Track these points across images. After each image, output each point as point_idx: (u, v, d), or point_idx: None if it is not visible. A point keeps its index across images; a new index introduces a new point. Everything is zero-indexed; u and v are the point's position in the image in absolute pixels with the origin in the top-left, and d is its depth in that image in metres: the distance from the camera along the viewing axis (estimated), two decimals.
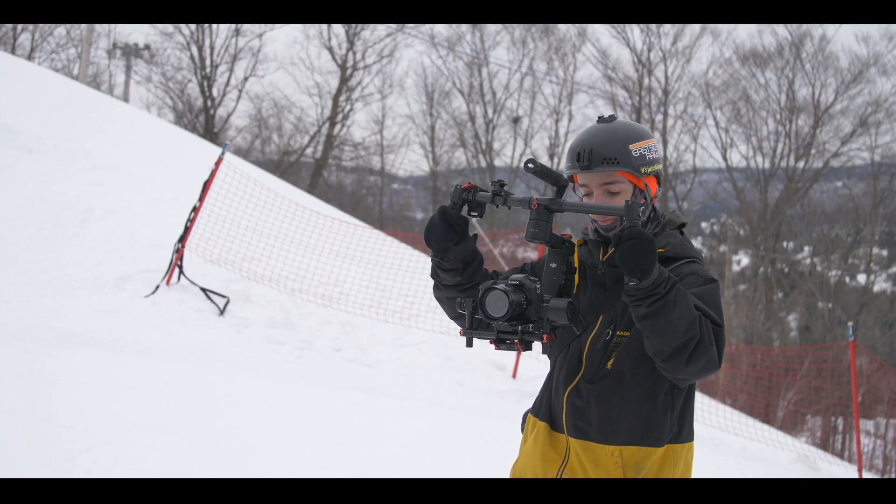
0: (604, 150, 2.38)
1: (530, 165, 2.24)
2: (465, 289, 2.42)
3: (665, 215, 2.52)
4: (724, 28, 36.63)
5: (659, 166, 2.44)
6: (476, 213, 2.34)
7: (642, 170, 2.40)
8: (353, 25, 34.28)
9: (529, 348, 2.20)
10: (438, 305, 2.75)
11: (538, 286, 2.17)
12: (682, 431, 2.42)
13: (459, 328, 2.32)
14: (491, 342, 2.20)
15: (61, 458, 4.62)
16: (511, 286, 2.15)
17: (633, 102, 36.44)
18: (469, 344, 2.26)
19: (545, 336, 2.15)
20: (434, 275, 2.46)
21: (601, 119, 2.49)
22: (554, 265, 2.26)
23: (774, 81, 35.61)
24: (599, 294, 2.43)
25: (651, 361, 2.31)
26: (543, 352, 2.23)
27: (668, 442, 2.38)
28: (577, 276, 2.49)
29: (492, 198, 2.29)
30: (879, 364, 16.52)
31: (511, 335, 2.17)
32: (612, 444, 2.37)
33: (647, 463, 2.37)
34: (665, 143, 35.63)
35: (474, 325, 2.22)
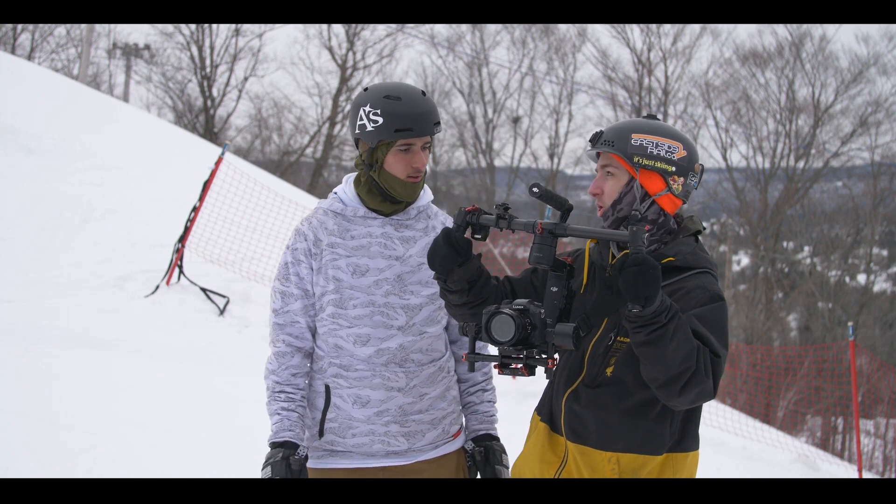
0: (609, 133, 2.41)
1: (535, 190, 2.25)
2: (473, 306, 2.41)
3: (682, 218, 2.47)
4: (724, 28, 36.64)
5: (666, 166, 2.37)
6: (480, 236, 2.33)
7: (635, 159, 2.36)
8: (353, 25, 34.25)
9: (533, 373, 2.19)
10: None
11: (542, 311, 2.17)
12: (683, 440, 2.39)
13: (462, 353, 2.32)
14: (495, 367, 2.20)
15: (62, 458, 4.62)
16: (516, 310, 2.14)
17: (633, 102, 36.44)
18: (471, 369, 2.26)
19: (549, 361, 2.15)
20: (442, 295, 2.45)
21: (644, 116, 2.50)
22: (555, 289, 2.25)
23: (774, 81, 35.62)
24: (606, 296, 2.41)
25: None
26: (548, 377, 2.21)
27: (667, 451, 2.36)
28: (585, 276, 2.48)
29: (496, 221, 2.29)
30: (879, 364, 16.51)
31: (515, 360, 2.17)
32: (609, 450, 2.35)
33: (644, 471, 2.35)
34: None
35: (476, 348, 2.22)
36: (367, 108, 2.56)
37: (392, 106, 2.54)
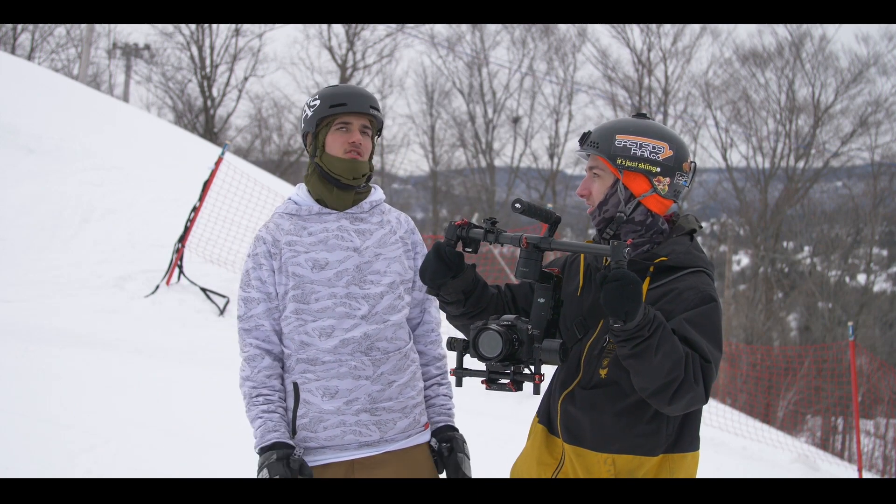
0: (595, 134, 2.42)
1: (517, 206, 2.27)
2: (472, 316, 2.44)
3: (678, 216, 2.47)
4: (724, 28, 36.65)
5: (650, 167, 2.36)
6: (470, 249, 2.36)
7: (619, 161, 2.36)
8: (353, 25, 34.27)
9: (521, 388, 2.20)
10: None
11: (529, 327, 2.18)
12: (680, 441, 2.37)
13: (450, 368, 2.34)
14: (483, 382, 2.22)
15: (62, 458, 4.62)
16: (503, 326, 2.16)
17: (633, 102, 36.42)
18: (458, 384, 2.27)
19: (536, 377, 2.16)
20: (441, 307, 2.49)
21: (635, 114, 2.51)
22: (542, 300, 2.28)
23: (774, 81, 35.62)
24: None
25: None
26: (535, 392, 2.23)
27: (664, 452, 2.35)
28: (581, 279, 2.49)
29: (484, 235, 2.32)
30: (879, 364, 16.52)
31: (503, 375, 2.19)
32: (604, 451, 2.35)
33: (640, 472, 2.34)
34: None
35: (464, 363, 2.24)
36: (310, 101, 2.72)
37: (329, 90, 2.71)
